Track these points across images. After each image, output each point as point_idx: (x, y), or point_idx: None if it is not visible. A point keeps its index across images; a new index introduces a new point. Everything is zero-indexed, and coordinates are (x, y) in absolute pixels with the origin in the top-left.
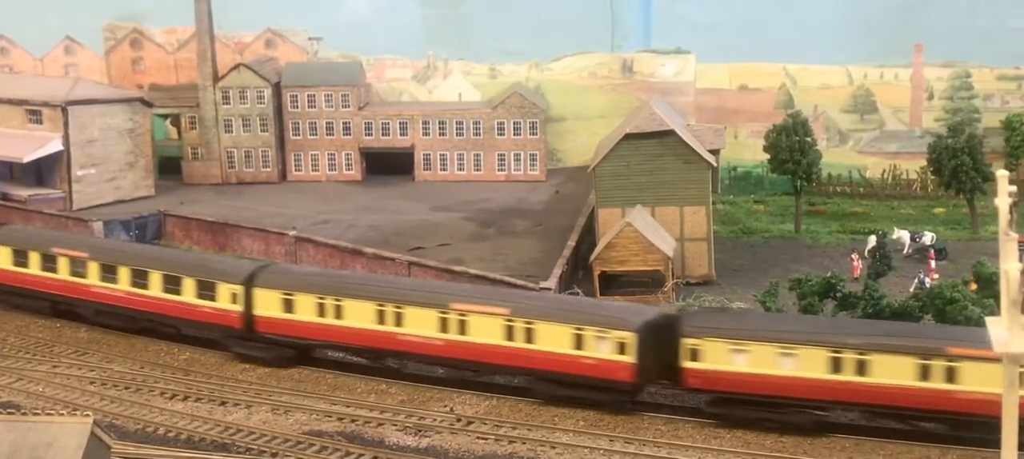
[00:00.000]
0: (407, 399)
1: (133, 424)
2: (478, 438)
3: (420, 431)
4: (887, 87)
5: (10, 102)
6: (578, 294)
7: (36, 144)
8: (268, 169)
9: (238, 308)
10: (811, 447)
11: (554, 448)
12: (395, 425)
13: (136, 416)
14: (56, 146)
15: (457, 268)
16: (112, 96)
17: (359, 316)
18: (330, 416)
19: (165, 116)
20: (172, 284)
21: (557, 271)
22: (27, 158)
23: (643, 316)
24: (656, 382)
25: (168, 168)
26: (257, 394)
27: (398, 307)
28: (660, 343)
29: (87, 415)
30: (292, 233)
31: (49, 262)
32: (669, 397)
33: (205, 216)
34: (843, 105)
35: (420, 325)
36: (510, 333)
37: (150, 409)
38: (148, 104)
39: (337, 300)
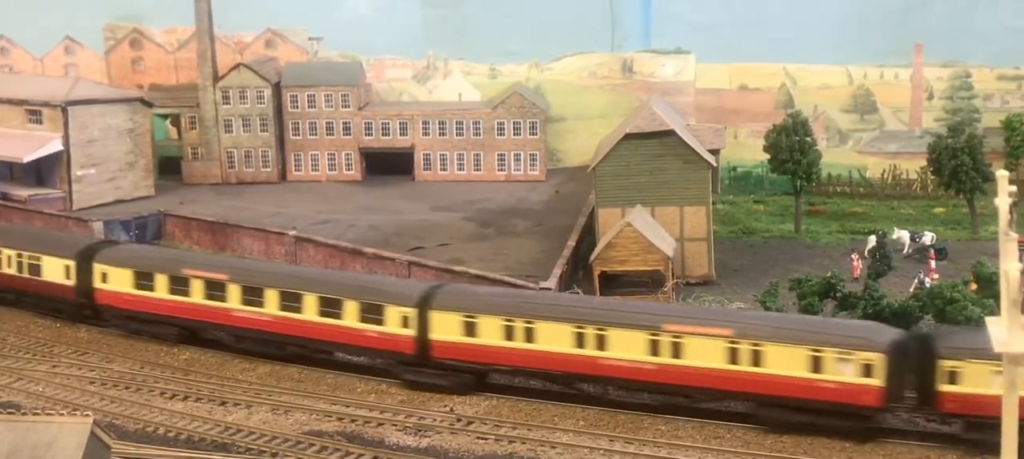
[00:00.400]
0: (407, 399)
1: (133, 424)
2: (478, 438)
3: (420, 431)
4: (887, 87)
5: (10, 102)
6: (578, 294)
7: (36, 144)
8: (268, 169)
9: (410, 332)
10: (811, 447)
11: (554, 448)
12: (395, 425)
13: (136, 416)
14: (56, 146)
15: (457, 268)
16: (112, 96)
17: (554, 339)
18: (330, 416)
19: (165, 116)
20: (330, 307)
21: (557, 271)
22: (27, 158)
23: (890, 335)
24: (902, 406)
25: (168, 168)
26: (257, 394)
27: (600, 329)
28: (909, 364)
29: (87, 415)
30: (292, 233)
31: (179, 284)
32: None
33: (205, 216)
34: (843, 105)
35: (627, 348)
36: (734, 356)
37: (150, 409)
38: (148, 104)
39: (528, 322)
